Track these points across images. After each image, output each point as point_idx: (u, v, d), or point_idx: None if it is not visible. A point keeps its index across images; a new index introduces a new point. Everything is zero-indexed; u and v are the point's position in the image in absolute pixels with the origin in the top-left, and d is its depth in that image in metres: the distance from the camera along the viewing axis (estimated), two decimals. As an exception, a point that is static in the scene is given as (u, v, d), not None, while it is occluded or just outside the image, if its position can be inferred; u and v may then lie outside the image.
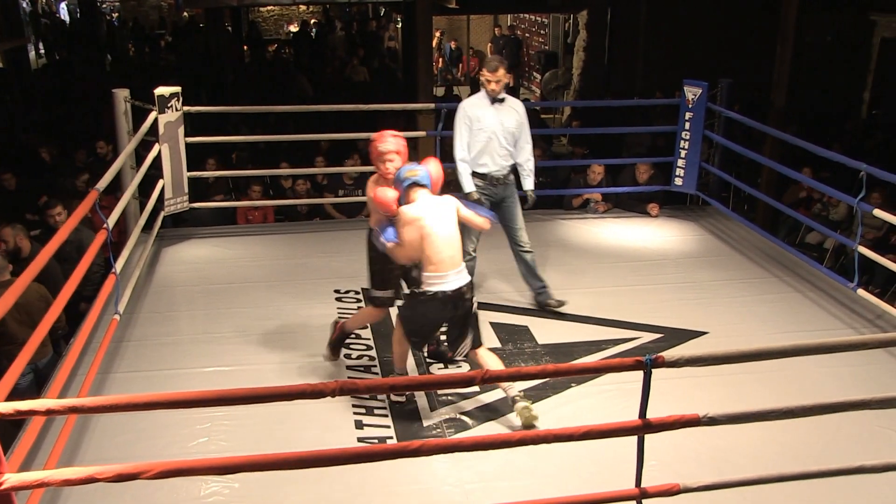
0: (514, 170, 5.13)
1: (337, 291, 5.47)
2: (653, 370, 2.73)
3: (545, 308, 5.22)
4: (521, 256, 5.21)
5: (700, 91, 6.78)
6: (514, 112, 5.02)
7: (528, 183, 5.15)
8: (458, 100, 12.66)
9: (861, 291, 5.29)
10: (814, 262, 6.07)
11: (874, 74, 11.84)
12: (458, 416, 4.07)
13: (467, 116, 4.99)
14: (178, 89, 6.09)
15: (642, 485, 2.90)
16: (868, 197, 5.29)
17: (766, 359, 3.08)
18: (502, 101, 4.99)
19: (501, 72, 4.88)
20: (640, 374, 2.76)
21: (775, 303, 5.41)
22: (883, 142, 9.69)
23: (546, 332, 4.97)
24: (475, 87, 13.78)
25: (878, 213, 5.24)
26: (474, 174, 5.02)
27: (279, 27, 21.21)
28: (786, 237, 7.59)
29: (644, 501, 2.95)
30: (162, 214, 6.22)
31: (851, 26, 11.71)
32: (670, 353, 2.78)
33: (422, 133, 7.09)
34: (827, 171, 7.52)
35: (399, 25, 17.39)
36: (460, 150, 5.02)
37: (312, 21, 20.38)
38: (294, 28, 20.03)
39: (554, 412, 4.06)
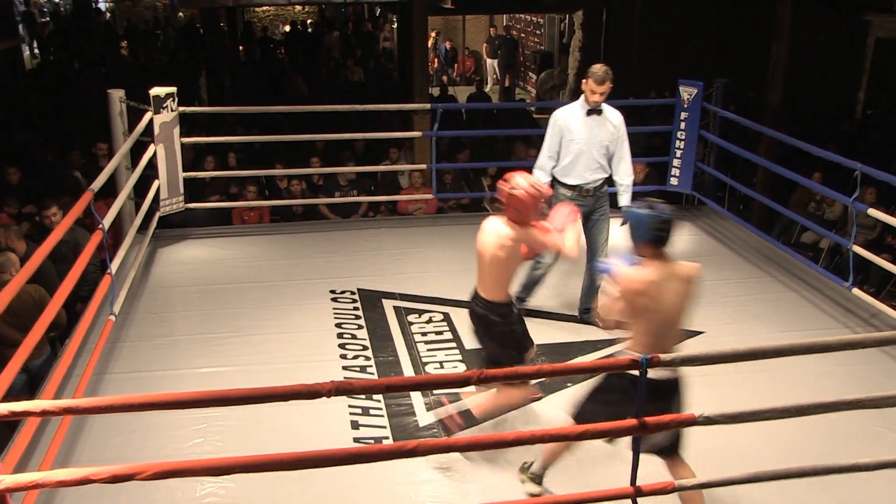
0: (611, 181, 4.89)
1: (332, 292, 5.46)
2: (648, 370, 2.73)
3: (587, 323, 5.05)
4: (591, 271, 5.00)
5: (695, 91, 6.79)
6: (609, 124, 4.77)
7: (624, 199, 4.87)
8: (454, 100, 12.77)
9: (856, 291, 5.30)
10: (809, 261, 6.09)
11: (869, 74, 11.87)
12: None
13: (559, 126, 4.78)
14: (173, 89, 6.08)
15: (637, 484, 2.91)
16: (862, 196, 5.31)
17: (761, 358, 3.08)
18: (599, 112, 4.75)
19: (608, 85, 4.62)
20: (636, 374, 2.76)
21: (771, 302, 5.42)
22: (878, 141, 9.72)
23: (541, 332, 4.94)
24: (472, 88, 13.79)
25: (872, 212, 5.26)
26: (565, 185, 4.83)
27: (275, 27, 21.16)
28: (779, 236, 7.60)
29: (639, 500, 2.95)
30: (157, 215, 6.21)
31: (846, 26, 11.74)
32: (666, 353, 2.78)
33: (417, 133, 7.10)
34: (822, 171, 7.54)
35: (394, 26, 17.39)
36: (542, 158, 4.85)
37: (309, 21, 20.35)
38: (288, 28, 19.98)
39: (550, 412, 4.06)
